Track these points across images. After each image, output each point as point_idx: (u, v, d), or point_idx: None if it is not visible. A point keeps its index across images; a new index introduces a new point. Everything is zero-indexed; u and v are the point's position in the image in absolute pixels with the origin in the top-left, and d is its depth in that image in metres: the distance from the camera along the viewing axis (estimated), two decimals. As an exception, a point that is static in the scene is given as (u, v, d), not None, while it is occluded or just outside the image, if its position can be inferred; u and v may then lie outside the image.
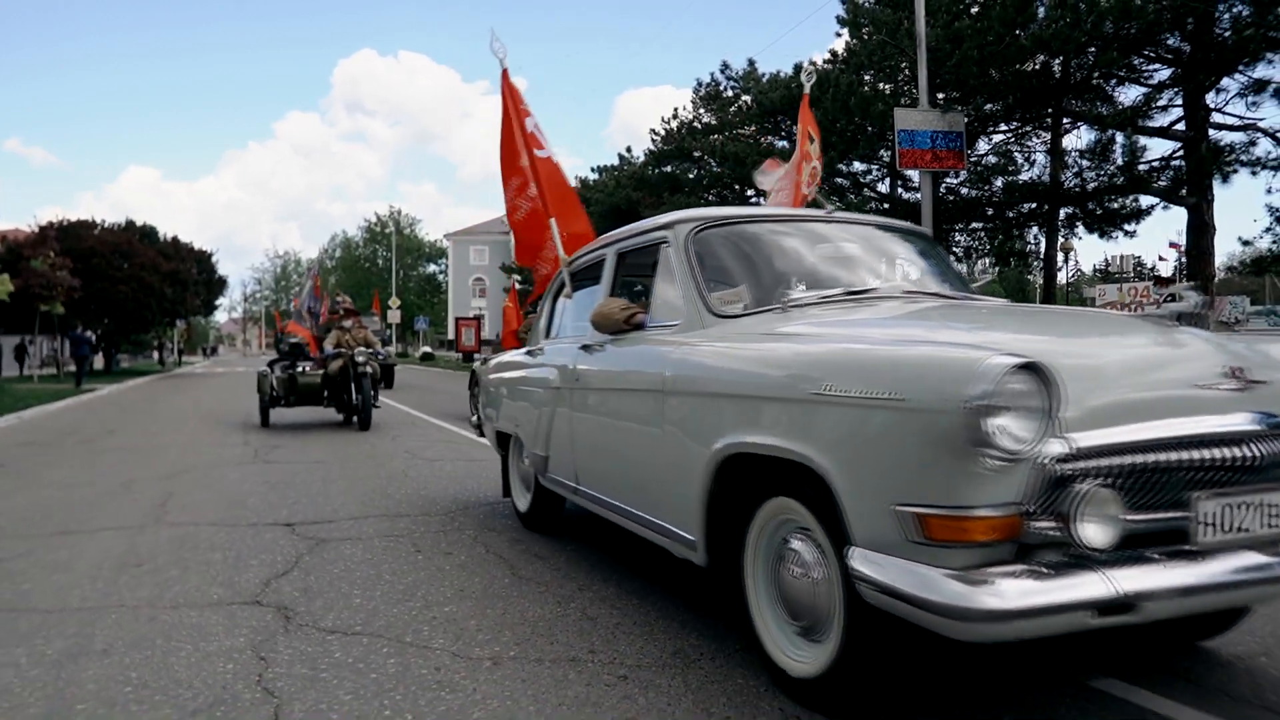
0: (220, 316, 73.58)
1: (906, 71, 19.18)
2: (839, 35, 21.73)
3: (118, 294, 31.67)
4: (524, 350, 5.66)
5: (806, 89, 8.54)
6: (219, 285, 40.99)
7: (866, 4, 21.33)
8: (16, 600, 4.17)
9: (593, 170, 44.51)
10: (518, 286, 24.19)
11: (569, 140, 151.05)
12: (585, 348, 4.27)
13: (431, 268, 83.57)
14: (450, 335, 59.69)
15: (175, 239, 36.89)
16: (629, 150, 42.88)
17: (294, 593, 4.22)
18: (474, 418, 11.07)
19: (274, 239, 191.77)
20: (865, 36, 19.92)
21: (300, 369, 12.46)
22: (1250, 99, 15.30)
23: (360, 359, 11.77)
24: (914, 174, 20.18)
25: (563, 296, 5.19)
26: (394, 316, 49.99)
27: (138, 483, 7.61)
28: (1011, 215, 19.86)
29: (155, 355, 49.81)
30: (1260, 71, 15.02)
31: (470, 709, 2.85)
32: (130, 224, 35.71)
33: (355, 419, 12.16)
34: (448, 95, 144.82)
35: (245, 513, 6.22)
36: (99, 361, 34.54)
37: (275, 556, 4.93)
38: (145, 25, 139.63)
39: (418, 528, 5.69)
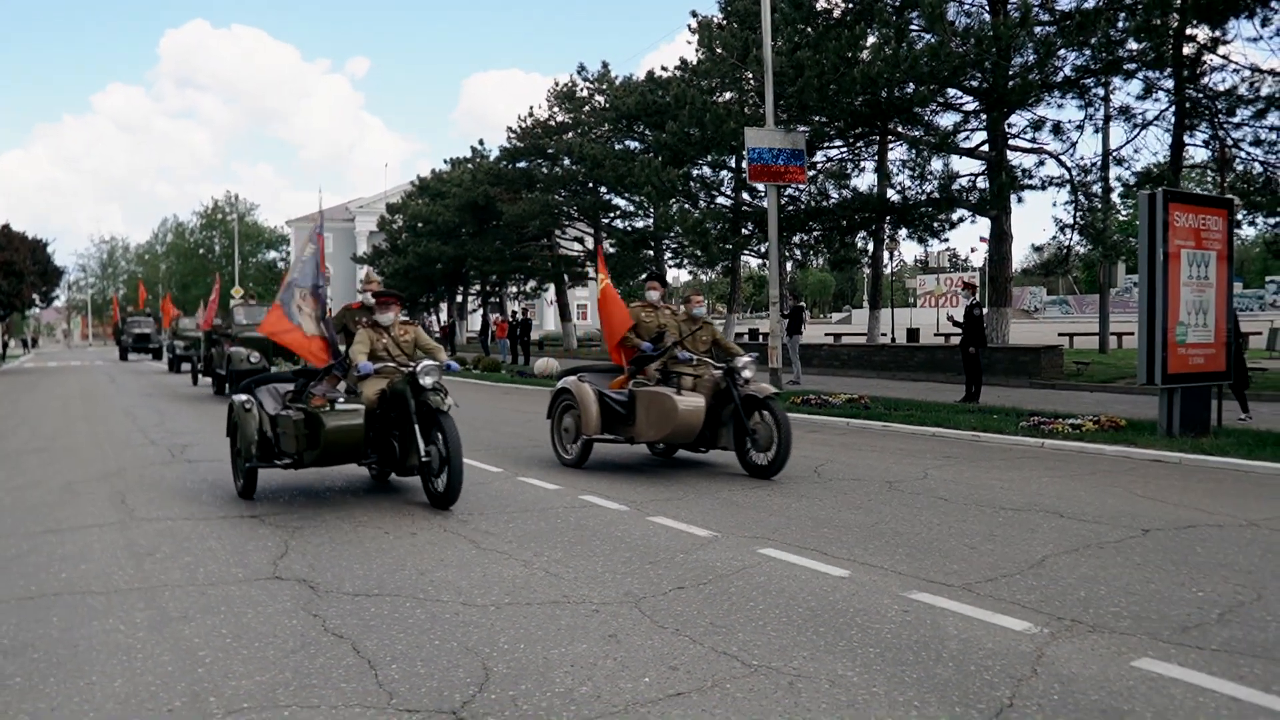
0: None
1: (752, 82, 21.12)
2: (689, 44, 23.51)
3: (-60, 286, 29.90)
4: None
5: None
6: (55, 276, 39.07)
7: (716, 22, 23.10)
8: (70, 584, 5.01)
9: (445, 162, 44.91)
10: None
11: (417, 122, 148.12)
12: None
13: (272, 254, 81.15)
14: (296, 324, 58.33)
15: (6, 227, 34.97)
16: (481, 143, 43.55)
17: (303, 569, 5.26)
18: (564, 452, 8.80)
19: (97, 222, 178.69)
20: (717, 54, 21.64)
21: (317, 397, 6.90)
22: (1030, 135, 18.37)
23: (427, 380, 6.84)
24: (760, 184, 22.20)
25: None
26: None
27: (79, 485, 8.21)
28: (845, 223, 22.25)
29: None
30: (1042, 110, 18.01)
31: (497, 635, 4.07)
32: (-47, 212, 33.57)
33: (425, 481, 7.01)
34: (286, 73, 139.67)
35: (206, 508, 7.06)
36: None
37: (265, 543, 5.90)
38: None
39: (373, 514, 6.74)
